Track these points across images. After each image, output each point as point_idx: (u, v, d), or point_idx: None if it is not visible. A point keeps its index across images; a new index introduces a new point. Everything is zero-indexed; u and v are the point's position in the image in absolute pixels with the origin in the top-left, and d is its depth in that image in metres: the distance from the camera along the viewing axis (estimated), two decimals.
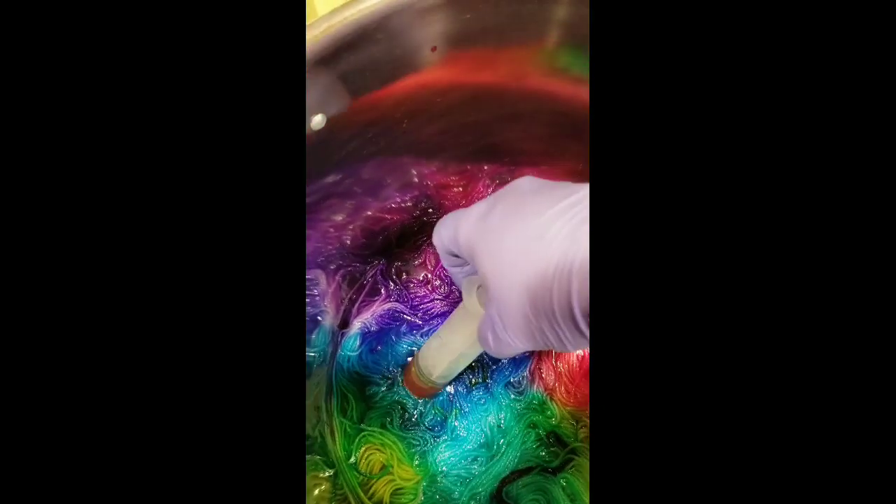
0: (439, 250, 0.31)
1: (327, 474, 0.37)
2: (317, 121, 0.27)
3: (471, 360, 0.36)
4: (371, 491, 0.38)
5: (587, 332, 0.23)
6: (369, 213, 0.42)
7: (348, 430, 0.39)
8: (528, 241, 0.24)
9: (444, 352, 0.35)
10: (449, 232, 0.29)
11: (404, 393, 0.40)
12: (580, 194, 0.24)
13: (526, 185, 0.27)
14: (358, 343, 0.41)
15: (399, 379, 0.40)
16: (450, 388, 0.40)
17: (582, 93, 0.33)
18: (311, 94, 0.25)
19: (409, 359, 0.39)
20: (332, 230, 0.41)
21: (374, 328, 0.41)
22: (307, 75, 0.24)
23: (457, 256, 0.31)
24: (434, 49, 0.28)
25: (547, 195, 0.25)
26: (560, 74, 0.31)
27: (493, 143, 0.39)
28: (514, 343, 0.27)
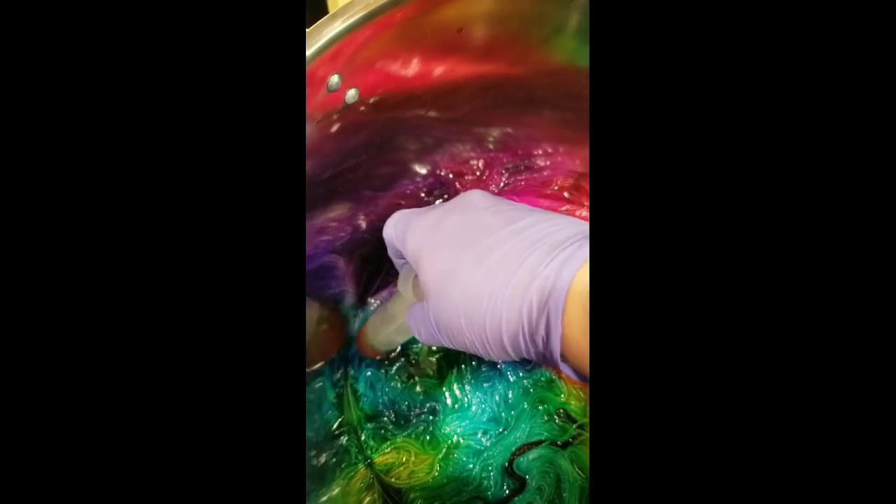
0: (387, 243, 0.33)
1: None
2: (350, 94, 0.29)
3: (408, 336, 0.39)
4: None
5: (512, 354, 0.25)
6: (383, 200, 0.44)
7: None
8: (469, 264, 0.25)
9: (385, 325, 0.38)
10: (399, 233, 0.31)
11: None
12: (527, 220, 0.26)
13: (478, 201, 0.29)
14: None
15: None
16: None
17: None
18: None
19: (363, 323, 0.42)
20: (345, 217, 0.43)
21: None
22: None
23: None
24: (460, 30, 0.30)
25: (495, 217, 0.27)
26: (575, 62, 0.34)
27: (508, 130, 0.41)
28: (446, 343, 0.29)
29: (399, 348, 0.43)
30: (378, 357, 0.43)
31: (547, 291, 0.23)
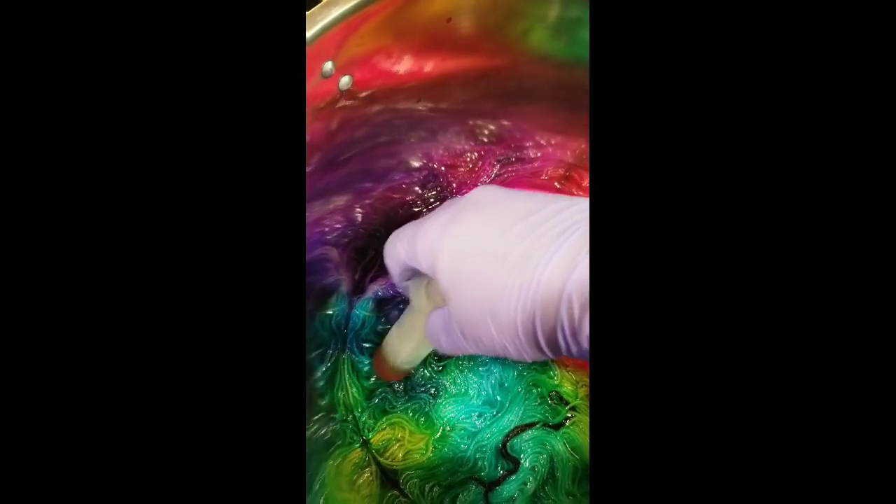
0: (392, 268, 0.32)
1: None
2: (344, 81, 0.31)
3: (431, 348, 0.38)
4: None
5: (548, 352, 0.24)
6: (377, 193, 0.45)
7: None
8: (492, 261, 0.24)
9: (404, 343, 0.37)
10: (405, 246, 0.29)
11: None
12: (547, 210, 0.24)
13: (490, 196, 0.27)
14: (371, 305, 0.43)
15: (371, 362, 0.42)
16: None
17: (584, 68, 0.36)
18: None
19: (378, 345, 0.42)
20: (340, 209, 0.44)
21: (387, 294, 0.44)
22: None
23: (411, 270, 0.31)
24: (449, 20, 0.31)
25: (512, 210, 0.25)
26: (564, 50, 0.35)
27: (500, 121, 0.42)
28: (472, 349, 0.27)
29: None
30: (400, 378, 0.42)
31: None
